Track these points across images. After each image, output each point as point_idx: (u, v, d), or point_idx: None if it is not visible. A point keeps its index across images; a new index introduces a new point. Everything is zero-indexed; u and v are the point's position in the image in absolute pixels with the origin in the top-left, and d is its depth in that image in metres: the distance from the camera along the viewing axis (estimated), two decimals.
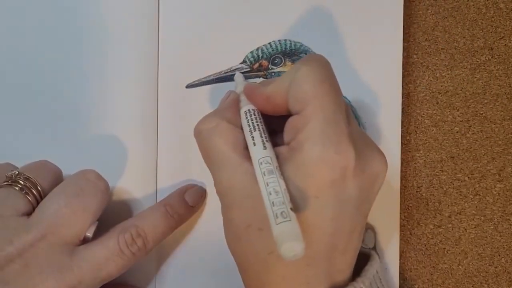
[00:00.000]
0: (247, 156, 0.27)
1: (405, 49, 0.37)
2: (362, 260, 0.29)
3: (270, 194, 0.24)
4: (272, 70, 0.36)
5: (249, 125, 0.28)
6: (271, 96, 0.28)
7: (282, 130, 0.28)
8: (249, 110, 0.29)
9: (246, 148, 0.28)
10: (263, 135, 0.27)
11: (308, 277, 0.26)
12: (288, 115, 0.28)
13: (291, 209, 0.24)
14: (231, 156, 0.27)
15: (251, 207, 0.26)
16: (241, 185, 0.27)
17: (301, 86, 0.26)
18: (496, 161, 0.37)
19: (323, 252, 0.26)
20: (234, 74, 0.35)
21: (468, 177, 0.37)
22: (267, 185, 0.25)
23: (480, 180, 0.37)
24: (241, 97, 0.30)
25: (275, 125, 0.29)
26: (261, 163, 0.26)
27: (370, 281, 0.28)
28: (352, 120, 0.28)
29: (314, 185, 0.25)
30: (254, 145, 0.27)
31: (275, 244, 0.23)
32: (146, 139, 0.35)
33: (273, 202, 0.24)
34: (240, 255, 0.27)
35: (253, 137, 0.27)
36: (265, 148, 0.26)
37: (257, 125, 0.28)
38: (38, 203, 0.30)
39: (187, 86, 0.36)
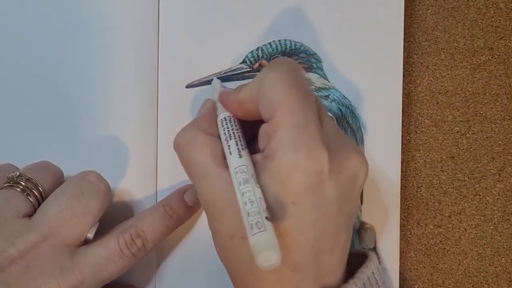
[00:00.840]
0: (227, 166, 0.27)
1: (405, 49, 0.37)
2: (361, 261, 0.29)
3: (246, 204, 0.24)
4: None
5: (225, 134, 0.28)
6: (243, 102, 0.28)
7: None
8: (225, 118, 0.28)
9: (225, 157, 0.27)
10: (238, 143, 0.27)
11: (295, 282, 0.26)
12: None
13: (266, 218, 0.24)
14: (210, 167, 0.27)
15: (232, 217, 0.26)
16: (221, 196, 0.26)
17: (268, 93, 0.26)
18: (496, 161, 0.37)
19: (308, 257, 0.26)
20: (234, 74, 0.35)
21: (468, 177, 0.37)
22: (243, 195, 0.24)
23: (480, 180, 0.37)
24: (217, 104, 0.30)
25: (256, 130, 0.28)
26: (237, 172, 0.25)
27: (363, 283, 0.27)
28: (326, 120, 0.27)
29: (290, 192, 0.25)
30: (230, 154, 0.26)
31: (252, 255, 0.23)
32: (146, 139, 0.35)
33: (248, 213, 0.24)
34: (227, 264, 0.28)
35: (229, 146, 0.27)
36: (240, 156, 0.26)
37: (233, 133, 0.27)
38: (39, 204, 0.30)
39: (187, 86, 0.36)
